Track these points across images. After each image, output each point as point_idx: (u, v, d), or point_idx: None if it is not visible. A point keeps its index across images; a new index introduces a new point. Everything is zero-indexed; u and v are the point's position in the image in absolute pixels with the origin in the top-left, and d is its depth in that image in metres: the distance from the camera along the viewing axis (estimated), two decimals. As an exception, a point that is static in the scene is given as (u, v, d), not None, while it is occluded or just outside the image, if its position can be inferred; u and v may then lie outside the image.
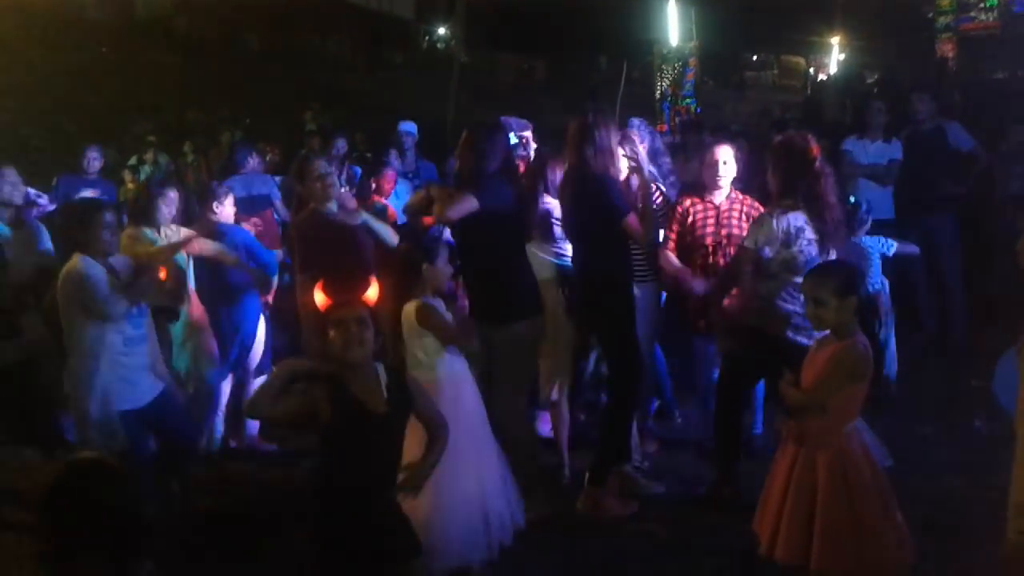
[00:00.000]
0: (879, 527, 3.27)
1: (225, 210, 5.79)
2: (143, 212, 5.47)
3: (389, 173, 7.88)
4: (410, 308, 4.11)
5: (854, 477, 3.27)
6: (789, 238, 4.45)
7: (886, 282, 6.18)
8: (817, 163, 4.50)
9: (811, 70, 31.86)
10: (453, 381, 4.11)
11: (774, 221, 4.48)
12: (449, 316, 4.23)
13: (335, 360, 3.17)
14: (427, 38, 33.76)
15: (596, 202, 4.62)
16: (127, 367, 4.31)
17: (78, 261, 4.27)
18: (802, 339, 4.32)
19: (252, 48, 27.34)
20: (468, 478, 3.95)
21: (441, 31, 33.36)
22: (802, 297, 4.02)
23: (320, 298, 3.34)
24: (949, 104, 9.50)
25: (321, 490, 3.21)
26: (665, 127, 17.92)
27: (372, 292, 3.32)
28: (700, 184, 5.52)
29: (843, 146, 7.61)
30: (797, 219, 4.45)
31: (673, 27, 18.82)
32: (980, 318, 7.14)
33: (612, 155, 4.67)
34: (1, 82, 15.47)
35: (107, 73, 19.54)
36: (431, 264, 4.17)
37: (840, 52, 31.60)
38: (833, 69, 30.77)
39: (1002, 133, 8.00)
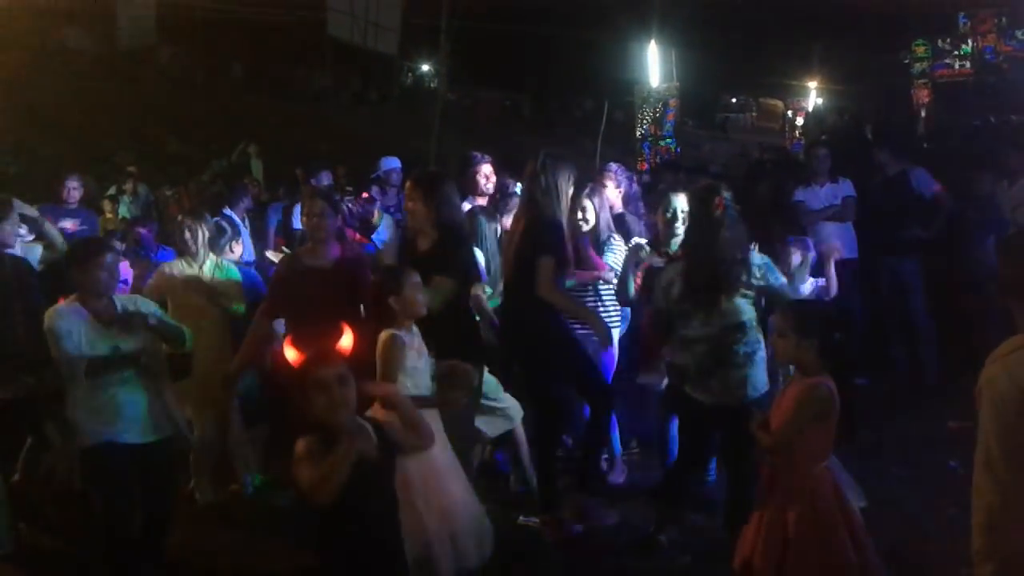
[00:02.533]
0: (849, 570, 3.28)
1: (239, 250, 5.87)
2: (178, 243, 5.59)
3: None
4: (381, 337, 4.06)
5: (824, 519, 3.29)
6: (667, 292, 4.48)
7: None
8: (718, 212, 4.38)
9: (789, 112, 32.26)
10: None
11: (660, 272, 4.65)
12: (423, 361, 4.14)
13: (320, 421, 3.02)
14: (411, 74, 33.97)
15: (532, 240, 4.73)
16: (107, 402, 4.21)
17: (55, 309, 4.26)
18: (699, 396, 4.36)
19: (236, 79, 27.41)
20: (432, 510, 3.92)
21: (425, 67, 33.60)
22: (692, 350, 4.31)
23: (292, 354, 3.14)
24: (917, 150, 9.70)
25: (325, 546, 3.12)
26: (645, 166, 18.11)
27: (346, 340, 3.13)
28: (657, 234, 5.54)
29: (795, 197, 7.77)
30: (674, 270, 4.50)
31: (654, 68, 19.06)
32: (953, 359, 7.22)
33: (557, 198, 4.76)
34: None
35: (89, 102, 19.52)
36: (398, 295, 4.09)
37: (817, 96, 32.05)
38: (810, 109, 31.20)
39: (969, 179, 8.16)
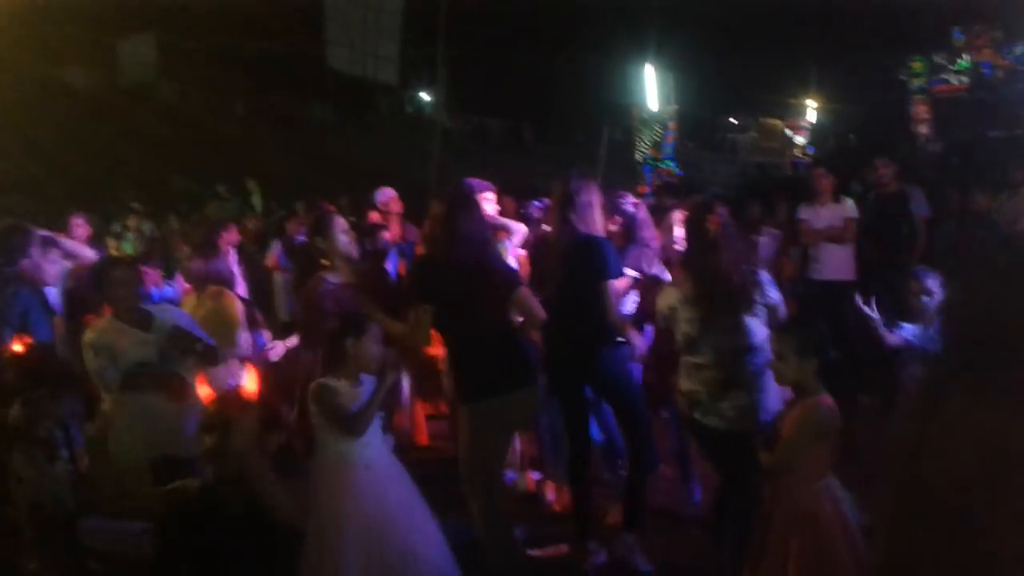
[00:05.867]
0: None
1: None
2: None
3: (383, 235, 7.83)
4: (311, 387, 3.88)
5: (825, 540, 3.29)
6: (665, 319, 4.33)
7: None
8: (714, 231, 4.17)
9: (788, 131, 32.33)
10: (346, 466, 3.82)
11: (661, 297, 4.41)
12: (361, 399, 3.89)
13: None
14: (410, 104, 34.23)
15: (585, 262, 4.62)
16: None
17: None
18: (710, 421, 4.13)
19: (237, 114, 27.63)
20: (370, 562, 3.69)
21: (425, 96, 33.86)
22: (701, 375, 4.10)
23: (204, 390, 3.08)
24: (915, 167, 9.73)
25: None
26: (647, 188, 18.18)
27: (250, 382, 2.98)
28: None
29: (798, 215, 7.79)
30: (672, 297, 4.27)
31: (651, 92, 19.18)
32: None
33: (594, 217, 4.71)
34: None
35: (92, 140, 19.69)
36: (357, 340, 3.90)
37: (817, 114, 32.12)
38: (810, 132, 31.25)
39: (963, 196, 8.20)
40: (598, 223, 4.77)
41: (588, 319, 4.64)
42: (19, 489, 4.84)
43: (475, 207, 4.63)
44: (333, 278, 5.14)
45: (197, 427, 2.82)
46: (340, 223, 5.28)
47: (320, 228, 5.27)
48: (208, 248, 5.67)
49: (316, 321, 4.93)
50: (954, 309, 0.50)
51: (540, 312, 4.47)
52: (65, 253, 6.30)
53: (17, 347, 4.23)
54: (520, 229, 6.15)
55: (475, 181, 6.16)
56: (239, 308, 5.43)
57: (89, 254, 6.61)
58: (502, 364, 4.30)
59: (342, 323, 4.04)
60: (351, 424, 3.78)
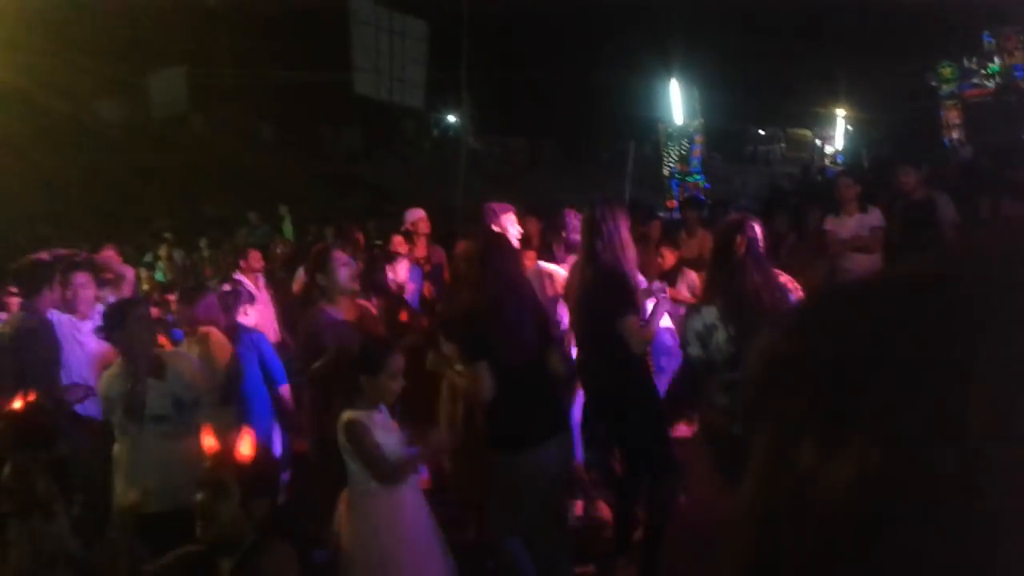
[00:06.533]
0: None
1: (252, 313, 5.85)
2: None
3: (403, 262, 7.89)
4: (342, 420, 3.78)
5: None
6: (703, 337, 4.16)
7: None
8: (740, 252, 4.10)
9: (817, 141, 32.09)
10: (389, 499, 3.76)
11: (690, 318, 4.29)
12: (392, 436, 3.85)
13: None
14: (437, 127, 34.45)
15: (604, 295, 4.49)
16: None
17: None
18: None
19: (267, 141, 27.98)
20: None
21: (451, 119, 34.06)
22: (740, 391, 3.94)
23: (209, 441, 2.99)
24: (944, 173, 9.60)
25: None
26: (675, 203, 18.16)
27: (245, 445, 2.85)
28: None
29: (824, 226, 7.72)
30: (710, 315, 4.15)
31: (677, 105, 19.18)
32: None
33: (621, 247, 4.57)
34: (20, 182, 15.88)
35: (124, 172, 20.02)
36: (371, 376, 3.80)
37: (847, 124, 31.88)
38: (839, 141, 31.02)
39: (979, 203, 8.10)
40: (626, 250, 4.62)
41: (612, 354, 4.50)
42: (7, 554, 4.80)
43: (509, 246, 4.55)
44: (333, 312, 5.01)
45: (213, 501, 2.79)
46: (340, 257, 5.18)
47: (320, 264, 5.13)
48: (190, 293, 5.65)
49: (314, 356, 4.84)
50: (792, 344, 0.44)
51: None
52: (100, 272, 6.29)
53: (16, 404, 4.17)
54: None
55: (496, 204, 6.12)
56: (226, 350, 5.31)
57: (125, 271, 6.67)
58: (539, 410, 4.14)
59: (357, 359, 3.90)
60: (391, 477, 3.71)
